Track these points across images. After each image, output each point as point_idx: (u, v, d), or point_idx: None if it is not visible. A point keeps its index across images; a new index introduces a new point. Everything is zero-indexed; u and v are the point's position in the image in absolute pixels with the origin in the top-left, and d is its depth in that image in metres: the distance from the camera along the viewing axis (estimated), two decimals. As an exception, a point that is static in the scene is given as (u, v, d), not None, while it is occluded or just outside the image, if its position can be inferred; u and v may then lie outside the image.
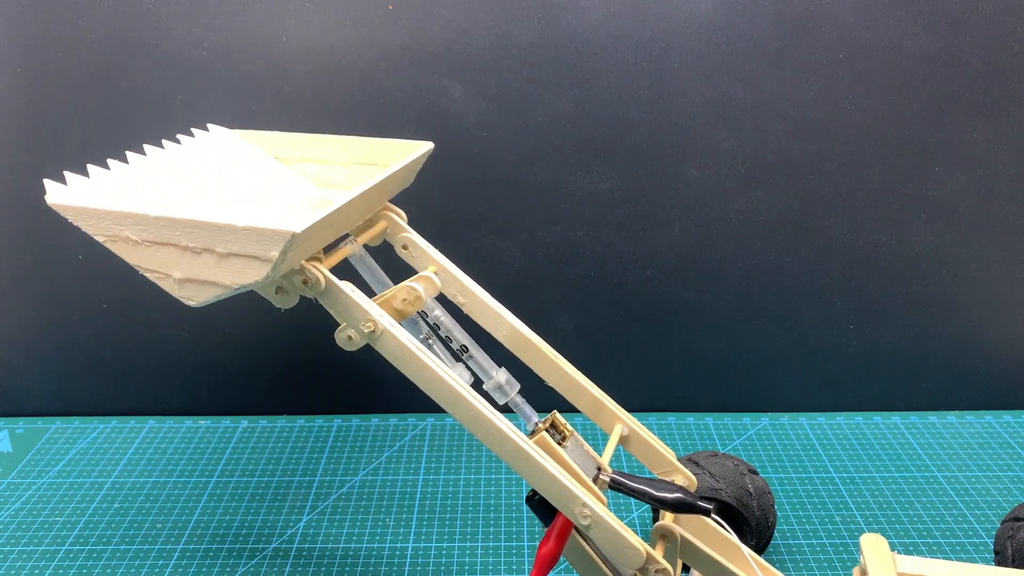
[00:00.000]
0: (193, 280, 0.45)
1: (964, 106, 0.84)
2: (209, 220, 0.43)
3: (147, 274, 0.46)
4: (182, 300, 0.46)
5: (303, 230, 0.42)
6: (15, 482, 0.82)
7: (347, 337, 0.49)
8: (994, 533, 0.72)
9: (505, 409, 0.52)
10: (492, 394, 0.51)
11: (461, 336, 0.51)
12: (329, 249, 0.52)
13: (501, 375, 0.51)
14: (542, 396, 0.60)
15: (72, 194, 0.46)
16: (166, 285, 0.46)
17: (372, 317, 0.47)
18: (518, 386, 0.52)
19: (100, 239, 0.47)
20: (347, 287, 0.47)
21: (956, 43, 0.82)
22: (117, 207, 0.45)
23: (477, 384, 0.53)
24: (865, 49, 0.82)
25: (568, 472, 0.47)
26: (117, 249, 0.46)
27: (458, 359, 0.52)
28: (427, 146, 0.58)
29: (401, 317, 0.51)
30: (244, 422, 0.93)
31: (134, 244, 0.46)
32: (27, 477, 0.83)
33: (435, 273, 0.55)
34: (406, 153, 0.56)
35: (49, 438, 0.90)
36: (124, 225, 0.45)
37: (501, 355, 0.57)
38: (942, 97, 0.84)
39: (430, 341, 0.50)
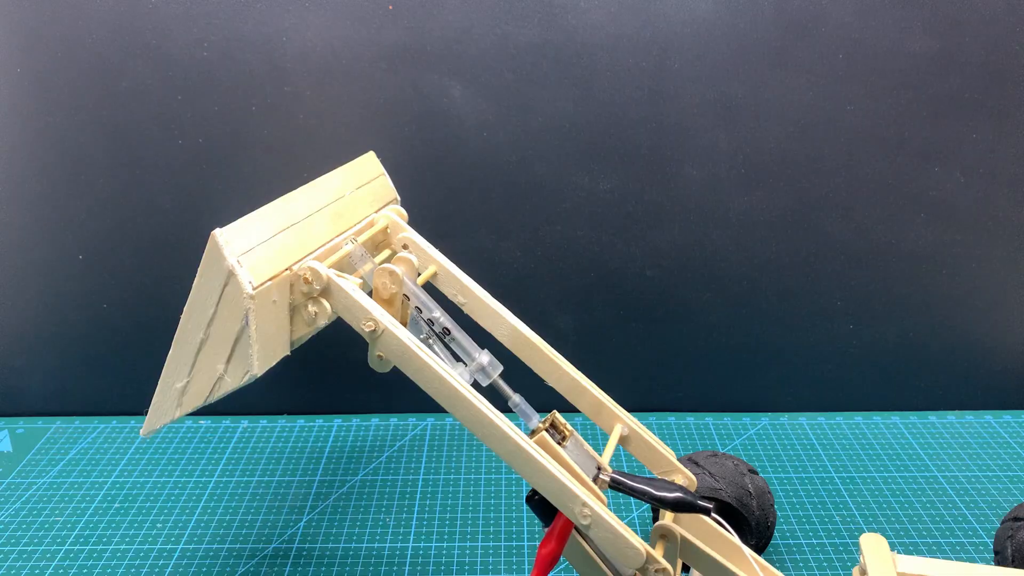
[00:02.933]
0: (231, 358, 0.47)
1: (964, 106, 0.84)
2: (187, 306, 0.47)
3: (214, 397, 0.49)
4: (245, 384, 0.48)
5: (227, 227, 0.45)
6: (15, 482, 0.82)
7: (378, 357, 0.50)
8: (994, 533, 0.72)
9: (505, 409, 0.52)
10: (476, 376, 0.51)
11: (443, 318, 0.51)
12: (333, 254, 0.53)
13: (484, 357, 0.51)
14: (542, 396, 0.60)
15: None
16: (226, 386, 0.48)
17: (373, 316, 0.47)
18: (500, 368, 0.52)
19: (179, 413, 0.50)
20: (348, 286, 0.47)
21: (956, 43, 0.82)
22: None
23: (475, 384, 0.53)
24: (865, 49, 0.82)
25: (568, 472, 0.47)
26: (188, 407, 0.50)
27: (458, 359, 0.52)
28: (367, 155, 0.59)
29: (389, 306, 0.51)
30: (244, 422, 0.93)
31: (186, 387, 0.49)
32: (27, 477, 0.83)
33: (411, 252, 0.55)
34: (355, 168, 0.58)
35: (49, 438, 0.90)
36: (172, 382, 0.49)
37: (502, 355, 0.57)
38: (942, 97, 0.84)
39: (430, 341, 0.50)
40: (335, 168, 0.59)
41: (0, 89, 0.82)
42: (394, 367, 0.51)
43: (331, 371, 0.93)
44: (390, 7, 0.80)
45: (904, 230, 0.89)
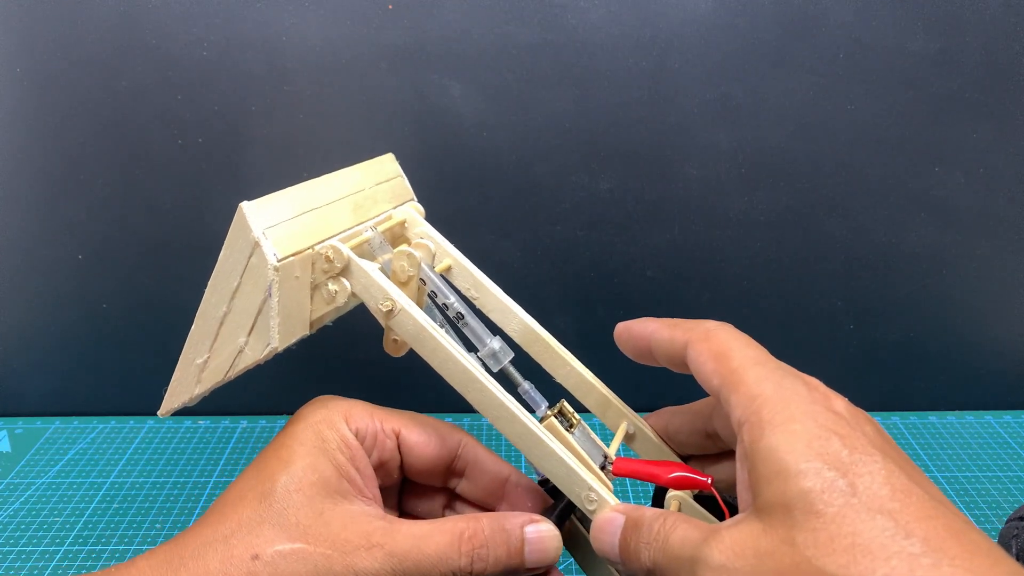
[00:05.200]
0: (252, 330, 0.47)
1: (964, 106, 0.85)
2: (211, 280, 0.47)
3: (234, 373, 0.49)
4: (265, 358, 0.48)
5: (253, 202, 0.45)
6: (14, 482, 0.82)
7: (393, 341, 0.51)
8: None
9: (514, 396, 0.52)
10: (486, 361, 0.52)
11: (457, 304, 0.52)
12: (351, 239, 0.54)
13: (495, 343, 0.52)
14: (550, 393, 0.60)
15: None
16: (246, 360, 0.48)
17: (391, 296, 0.47)
18: (511, 354, 0.52)
19: (198, 391, 0.51)
20: (368, 265, 0.48)
21: (956, 43, 0.82)
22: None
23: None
24: (865, 49, 0.82)
25: (576, 457, 0.47)
26: (208, 383, 0.50)
27: (471, 349, 0.52)
28: (386, 155, 0.60)
29: (405, 289, 0.51)
30: (244, 422, 0.93)
31: (207, 363, 0.50)
32: (26, 477, 0.83)
33: (423, 238, 0.56)
34: (374, 166, 0.58)
35: (48, 438, 0.89)
36: (193, 359, 0.50)
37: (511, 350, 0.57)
38: (942, 97, 0.84)
39: (444, 329, 0.51)
40: (336, 168, 0.59)
41: (0, 89, 0.82)
42: (405, 359, 0.51)
43: (331, 371, 0.93)
44: (390, 7, 0.80)
45: (904, 230, 0.89)
